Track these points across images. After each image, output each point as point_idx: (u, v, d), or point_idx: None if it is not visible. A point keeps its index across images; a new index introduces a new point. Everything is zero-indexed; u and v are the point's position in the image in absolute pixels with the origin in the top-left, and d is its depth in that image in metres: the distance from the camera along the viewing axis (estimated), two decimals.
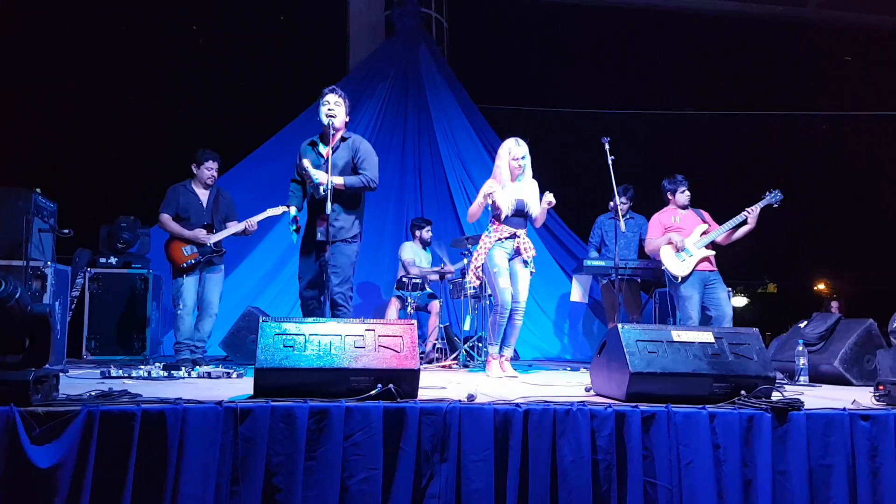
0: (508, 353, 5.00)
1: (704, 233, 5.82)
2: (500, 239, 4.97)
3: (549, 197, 4.86)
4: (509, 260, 5.00)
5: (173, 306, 5.62)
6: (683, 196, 5.97)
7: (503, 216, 4.95)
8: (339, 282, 4.70)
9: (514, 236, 4.98)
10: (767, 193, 5.75)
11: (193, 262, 5.52)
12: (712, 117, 10.74)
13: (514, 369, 5.02)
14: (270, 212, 5.62)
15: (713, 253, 5.80)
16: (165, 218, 5.58)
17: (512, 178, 5.00)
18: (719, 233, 5.79)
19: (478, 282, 5.25)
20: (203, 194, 5.71)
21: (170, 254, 5.56)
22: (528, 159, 5.04)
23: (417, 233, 7.39)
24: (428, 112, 9.16)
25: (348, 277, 4.77)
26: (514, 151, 4.99)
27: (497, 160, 5.09)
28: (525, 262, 5.01)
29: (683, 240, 5.76)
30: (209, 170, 5.66)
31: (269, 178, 7.80)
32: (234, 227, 5.63)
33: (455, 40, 10.62)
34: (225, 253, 5.72)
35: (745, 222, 5.71)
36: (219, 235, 5.60)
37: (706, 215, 6.00)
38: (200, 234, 5.52)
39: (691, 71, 10.82)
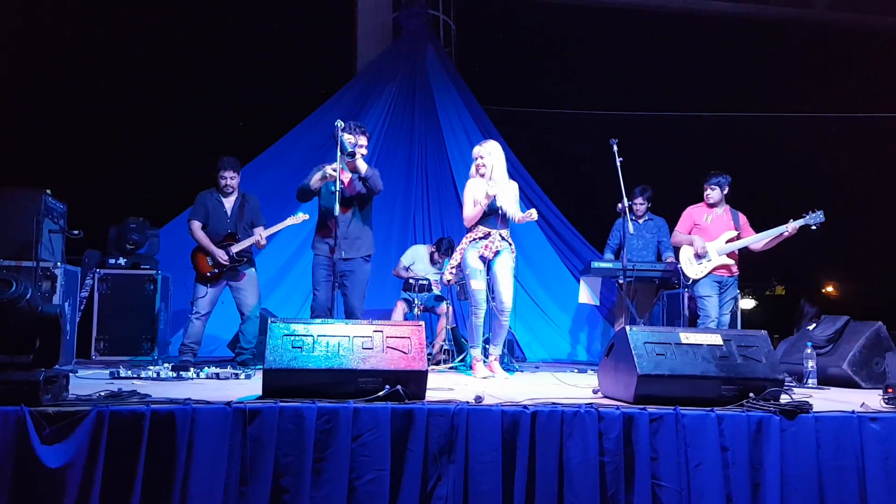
0: (496, 351, 5.03)
1: (732, 239, 5.75)
2: (474, 239, 5.04)
3: (534, 214, 4.95)
4: (488, 260, 5.02)
5: (190, 308, 5.69)
6: (710, 193, 5.86)
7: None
8: (359, 297, 5.03)
9: (487, 236, 5.00)
10: (809, 213, 5.52)
11: (217, 271, 5.62)
12: (720, 119, 10.71)
13: (517, 370, 5.07)
14: (291, 220, 5.69)
15: (732, 262, 5.74)
16: (196, 226, 5.70)
17: (486, 178, 5.06)
18: (747, 243, 5.70)
19: (452, 279, 5.34)
20: (228, 202, 5.78)
21: (195, 262, 5.68)
22: (492, 159, 5.06)
23: (434, 251, 7.29)
24: (435, 113, 9.16)
25: (364, 293, 5.10)
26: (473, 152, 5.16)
27: None
28: (492, 258, 5.00)
29: (706, 245, 5.72)
30: (223, 178, 5.72)
31: (277, 181, 7.81)
32: (250, 239, 5.69)
33: (462, 42, 10.61)
34: (246, 260, 5.77)
35: (778, 236, 5.59)
36: (238, 247, 5.66)
37: (742, 220, 5.86)
38: (221, 256, 5.59)
39: (699, 72, 10.79)
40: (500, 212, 4.97)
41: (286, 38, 9.74)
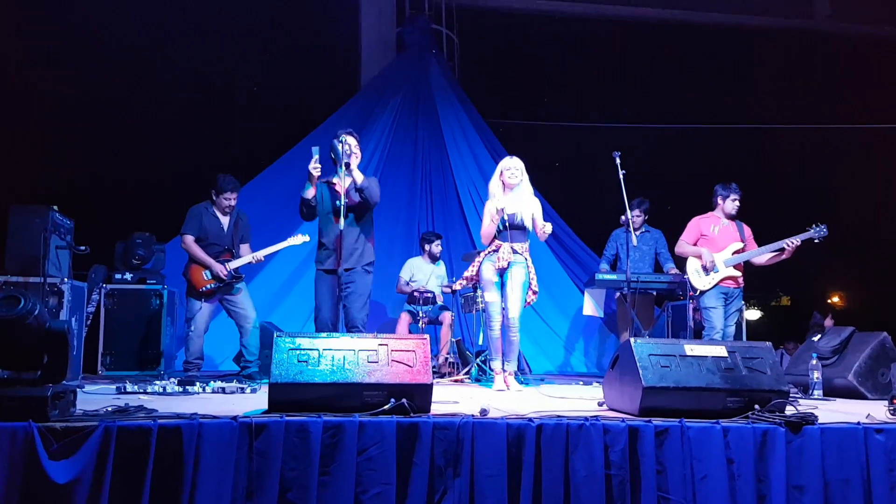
0: (510, 367, 5.04)
1: (738, 251, 5.76)
2: (489, 252, 5.10)
3: (548, 228, 5.01)
4: (500, 273, 5.06)
5: (186, 326, 5.69)
6: (733, 205, 5.87)
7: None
8: (360, 308, 4.94)
9: (499, 249, 5.05)
10: (813, 227, 5.52)
11: (212, 286, 5.60)
12: (722, 131, 10.73)
13: (523, 384, 5.09)
14: (291, 241, 5.71)
15: (739, 274, 5.75)
16: (189, 240, 5.67)
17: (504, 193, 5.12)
18: (753, 255, 5.72)
19: (465, 283, 5.50)
20: (225, 218, 5.79)
21: (190, 276, 5.65)
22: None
23: (427, 247, 7.37)
24: (438, 127, 9.21)
25: (366, 303, 5.02)
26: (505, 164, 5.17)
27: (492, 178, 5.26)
28: (504, 270, 5.02)
29: (714, 259, 5.72)
30: (227, 199, 5.73)
31: (282, 195, 7.84)
32: (247, 257, 5.71)
33: (465, 56, 10.68)
34: (244, 277, 5.80)
35: (782, 250, 5.60)
36: (235, 263, 5.67)
37: (747, 232, 5.89)
38: (220, 269, 5.59)
39: (701, 85, 10.82)
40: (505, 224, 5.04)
41: (290, 53, 9.81)
